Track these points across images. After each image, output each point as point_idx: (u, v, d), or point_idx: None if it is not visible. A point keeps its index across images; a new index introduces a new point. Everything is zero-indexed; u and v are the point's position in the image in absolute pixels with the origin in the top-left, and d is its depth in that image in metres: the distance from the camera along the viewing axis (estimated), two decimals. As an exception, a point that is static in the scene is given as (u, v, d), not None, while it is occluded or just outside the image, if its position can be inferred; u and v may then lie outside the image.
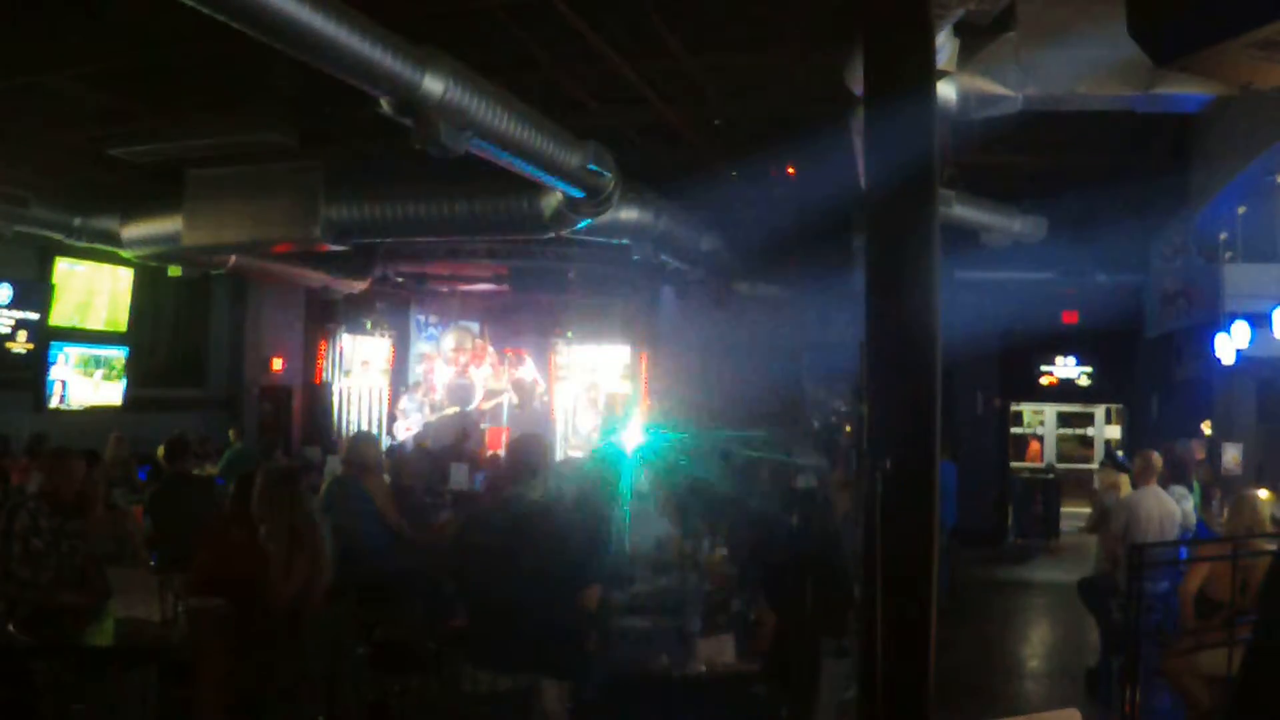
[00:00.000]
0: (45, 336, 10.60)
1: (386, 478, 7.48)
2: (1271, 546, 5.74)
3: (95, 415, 11.08)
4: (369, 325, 15.43)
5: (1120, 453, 12.13)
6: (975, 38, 5.77)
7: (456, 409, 15.58)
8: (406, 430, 15.10)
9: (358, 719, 5.39)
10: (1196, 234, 9.02)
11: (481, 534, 4.64)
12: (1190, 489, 7.69)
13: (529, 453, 4.63)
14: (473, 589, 4.57)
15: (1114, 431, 17.54)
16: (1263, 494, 7.94)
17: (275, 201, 8.81)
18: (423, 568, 6.44)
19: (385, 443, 13.03)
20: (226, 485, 8.41)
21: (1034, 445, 19.16)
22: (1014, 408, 16.55)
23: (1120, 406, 16.13)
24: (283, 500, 4.95)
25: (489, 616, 4.37)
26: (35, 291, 10.52)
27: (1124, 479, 8.00)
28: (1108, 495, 8.03)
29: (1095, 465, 18.22)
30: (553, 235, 8.82)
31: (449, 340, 16.80)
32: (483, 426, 15.70)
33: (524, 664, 4.26)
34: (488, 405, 16.25)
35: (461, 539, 5.63)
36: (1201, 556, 5.77)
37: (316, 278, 12.74)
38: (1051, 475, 14.94)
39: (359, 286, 13.47)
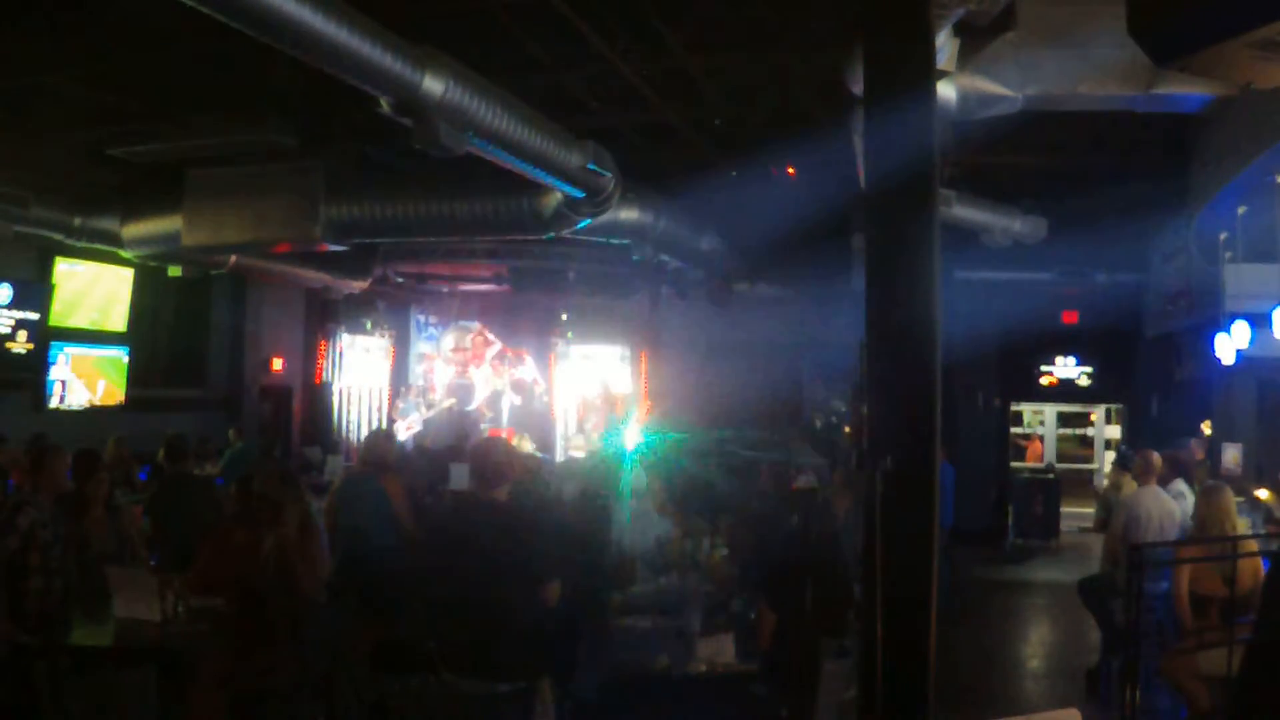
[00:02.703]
0: (45, 336, 10.60)
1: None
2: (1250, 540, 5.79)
3: (95, 415, 11.08)
4: (369, 325, 15.43)
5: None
6: (975, 38, 5.77)
7: (454, 400, 15.60)
8: (407, 429, 15.10)
9: (358, 719, 5.39)
10: (1196, 234, 9.01)
11: (447, 536, 4.64)
12: (1191, 486, 7.68)
13: (490, 454, 4.60)
14: (448, 591, 4.54)
15: (1114, 431, 17.54)
16: (1262, 494, 7.96)
17: (275, 201, 8.80)
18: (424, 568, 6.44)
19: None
20: (226, 485, 8.42)
21: (1034, 445, 19.15)
22: (1014, 408, 16.54)
23: (1120, 406, 16.12)
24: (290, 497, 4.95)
25: (456, 620, 4.35)
26: (35, 291, 10.52)
27: (1127, 479, 8.01)
28: (1114, 494, 8.04)
29: (1095, 465, 18.25)
30: (553, 235, 8.82)
31: (449, 340, 16.80)
32: (483, 427, 15.70)
33: (501, 667, 4.23)
34: (487, 411, 16.25)
35: (430, 541, 5.63)
36: (1184, 558, 5.77)
37: (316, 278, 12.74)
38: (1051, 475, 14.93)
39: (359, 286, 13.47)
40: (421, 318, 17.09)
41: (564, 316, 16.67)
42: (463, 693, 4.30)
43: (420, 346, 17.04)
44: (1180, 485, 7.37)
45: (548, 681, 4.44)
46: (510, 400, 16.38)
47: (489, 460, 4.51)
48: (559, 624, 4.59)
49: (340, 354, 14.81)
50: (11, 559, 4.94)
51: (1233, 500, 5.91)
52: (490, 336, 16.49)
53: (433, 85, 5.38)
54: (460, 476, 9.49)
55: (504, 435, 14.63)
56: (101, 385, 11.36)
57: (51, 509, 5.18)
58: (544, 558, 4.41)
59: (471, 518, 4.47)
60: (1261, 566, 5.51)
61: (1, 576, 4.95)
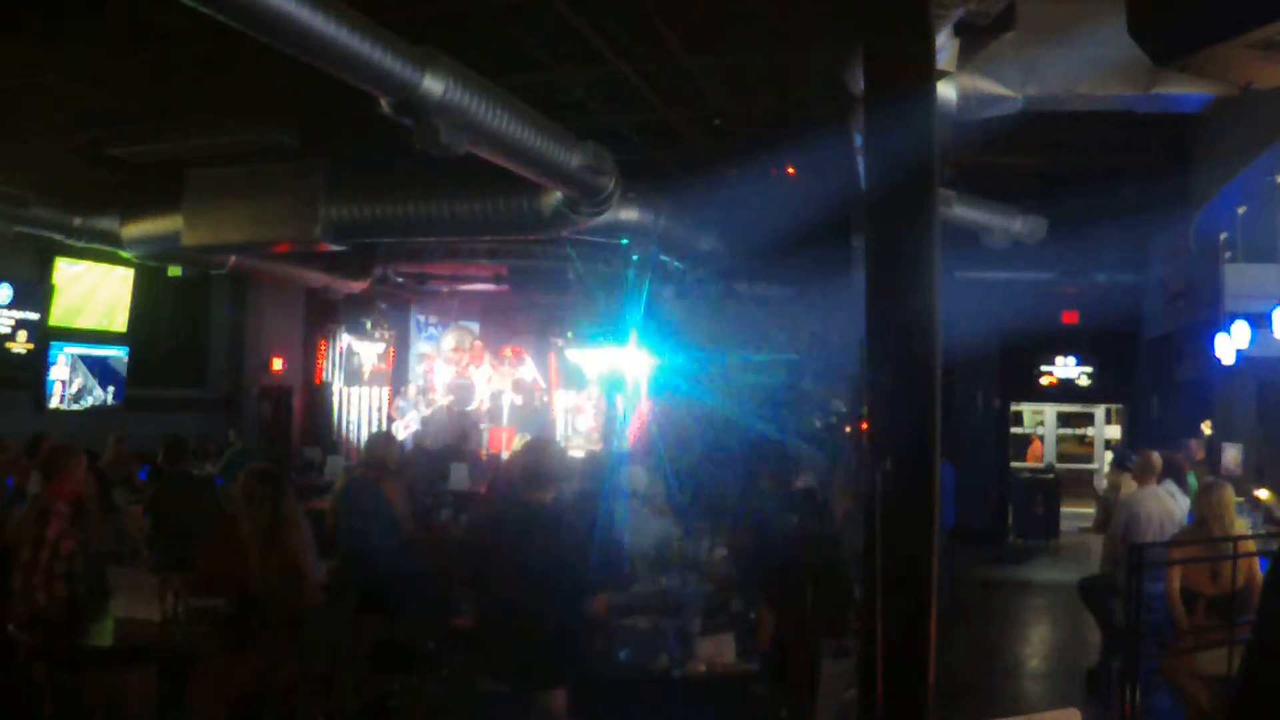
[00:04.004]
0: (45, 336, 10.60)
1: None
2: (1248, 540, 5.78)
3: (95, 415, 11.08)
4: (369, 325, 15.43)
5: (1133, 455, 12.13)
6: (975, 38, 5.77)
7: (452, 399, 15.61)
8: (406, 429, 15.10)
9: (358, 719, 5.39)
10: (1196, 234, 9.01)
11: (492, 535, 4.64)
12: (1184, 488, 7.68)
13: (543, 458, 4.62)
14: (484, 591, 4.57)
15: (1114, 431, 17.54)
16: (1262, 494, 7.96)
17: (275, 201, 8.80)
18: (425, 568, 6.46)
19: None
20: (226, 485, 8.42)
21: (1034, 445, 19.15)
22: (1014, 408, 16.54)
23: (1120, 406, 16.13)
24: (262, 499, 4.93)
25: (497, 619, 4.36)
26: (35, 291, 10.52)
27: (1126, 479, 8.00)
28: (1113, 494, 8.03)
29: (1095, 465, 18.25)
30: (553, 235, 8.82)
31: (449, 340, 16.80)
32: (483, 426, 15.70)
33: (528, 670, 4.25)
34: (486, 407, 16.25)
35: (471, 539, 5.62)
36: (1178, 557, 5.77)
37: (316, 278, 12.74)
38: (1051, 475, 14.93)
39: (359, 286, 13.47)
40: (421, 318, 17.09)
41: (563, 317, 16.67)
42: (464, 691, 4.30)
43: (420, 346, 17.03)
44: (1170, 486, 7.36)
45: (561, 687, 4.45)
46: (510, 400, 16.38)
47: (539, 463, 4.53)
48: (588, 631, 4.61)
49: (340, 354, 14.81)
50: (45, 570, 5.01)
51: (1232, 497, 5.91)
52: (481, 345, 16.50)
53: (433, 85, 5.38)
54: (460, 476, 9.52)
55: (504, 435, 14.66)
56: (101, 385, 11.39)
57: (70, 514, 5.21)
58: (598, 572, 4.43)
59: (521, 520, 4.47)
60: (1258, 565, 5.51)
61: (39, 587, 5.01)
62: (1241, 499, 7.17)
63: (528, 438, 11.90)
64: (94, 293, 11.38)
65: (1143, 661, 5.32)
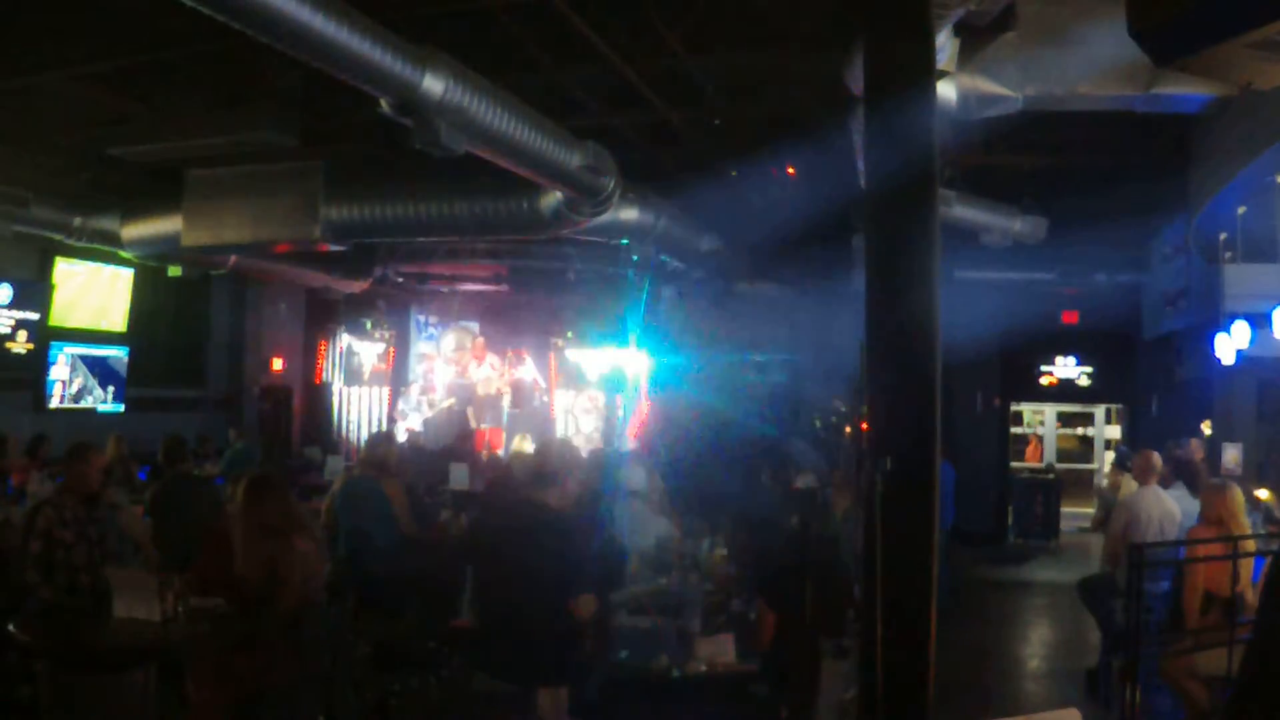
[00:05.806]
0: (45, 336, 10.60)
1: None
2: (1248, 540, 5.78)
3: (95, 415, 11.08)
4: (369, 325, 15.43)
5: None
6: (975, 38, 5.78)
7: (453, 400, 15.61)
8: (406, 430, 15.10)
9: (358, 719, 5.39)
10: (1196, 234, 9.01)
11: (486, 536, 4.65)
12: (1195, 490, 7.67)
13: (553, 459, 4.65)
14: (479, 591, 4.58)
15: (1114, 431, 17.54)
16: (1262, 494, 7.95)
17: (275, 201, 8.80)
18: (425, 568, 6.45)
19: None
20: (226, 485, 8.41)
21: (1034, 445, 19.15)
22: (1014, 408, 16.54)
23: (1120, 406, 16.12)
24: (254, 506, 4.94)
25: (491, 620, 4.37)
26: (35, 291, 10.52)
27: (1127, 479, 8.00)
28: (1113, 494, 8.03)
29: (1095, 465, 18.25)
30: (553, 235, 8.82)
31: (449, 340, 16.80)
32: (481, 426, 15.69)
33: (521, 670, 4.26)
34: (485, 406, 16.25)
35: (469, 538, 5.63)
36: (1194, 556, 5.75)
37: (316, 278, 12.73)
38: (1051, 475, 14.92)
39: (359, 286, 13.47)
40: (421, 318, 17.09)
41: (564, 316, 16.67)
42: (464, 691, 4.31)
43: (420, 346, 17.04)
44: (1180, 490, 7.35)
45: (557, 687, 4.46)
46: (509, 401, 16.37)
47: (544, 462, 4.56)
48: (579, 630, 4.61)
49: (340, 354, 14.81)
50: (36, 560, 5.04)
51: (1241, 497, 5.90)
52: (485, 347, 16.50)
53: (433, 85, 5.38)
54: (460, 476, 9.52)
55: (503, 435, 14.66)
56: (101, 385, 11.39)
57: (77, 508, 5.23)
58: (582, 572, 4.43)
59: (522, 520, 4.48)
60: (1252, 565, 5.51)
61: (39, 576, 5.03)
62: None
63: (528, 437, 11.93)
64: (94, 292, 11.37)
65: (1143, 661, 5.31)
